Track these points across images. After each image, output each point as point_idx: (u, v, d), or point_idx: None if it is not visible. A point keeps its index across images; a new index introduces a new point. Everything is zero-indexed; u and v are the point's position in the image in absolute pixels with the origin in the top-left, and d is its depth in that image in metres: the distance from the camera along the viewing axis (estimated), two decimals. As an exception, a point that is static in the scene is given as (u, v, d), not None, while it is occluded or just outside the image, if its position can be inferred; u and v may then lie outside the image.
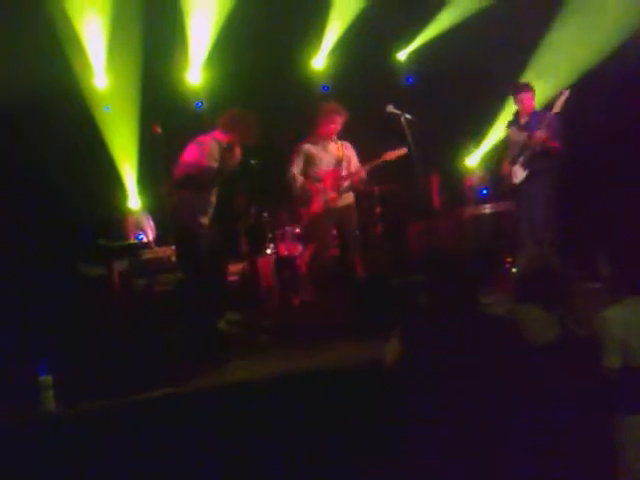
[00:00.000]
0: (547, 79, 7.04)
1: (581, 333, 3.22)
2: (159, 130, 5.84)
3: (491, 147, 7.71)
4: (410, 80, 8.45)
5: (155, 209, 7.12)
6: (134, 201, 7.22)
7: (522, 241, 5.89)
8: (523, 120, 6.12)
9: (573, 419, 3.13)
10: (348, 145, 6.27)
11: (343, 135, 6.72)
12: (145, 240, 6.74)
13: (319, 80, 8.30)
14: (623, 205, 6.05)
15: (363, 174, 6.16)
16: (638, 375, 3.11)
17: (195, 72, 7.78)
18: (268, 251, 6.63)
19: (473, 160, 7.80)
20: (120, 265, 5.84)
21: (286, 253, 6.75)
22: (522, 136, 6.05)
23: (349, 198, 6.23)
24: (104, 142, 7.10)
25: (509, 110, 7.10)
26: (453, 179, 7.42)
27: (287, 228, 6.88)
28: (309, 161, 6.10)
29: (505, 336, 3.11)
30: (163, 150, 6.39)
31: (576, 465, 3.14)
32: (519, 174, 6.03)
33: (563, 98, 5.80)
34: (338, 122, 6.08)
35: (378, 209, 6.94)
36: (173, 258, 6.29)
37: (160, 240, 6.90)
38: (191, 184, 5.20)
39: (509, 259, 6.36)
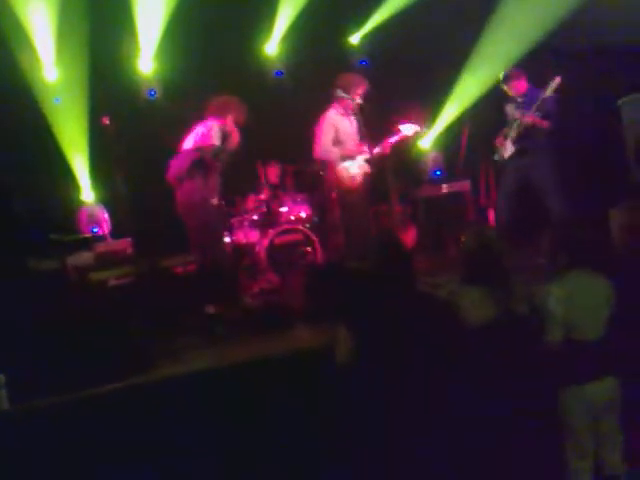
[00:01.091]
0: (498, 57, 7.12)
1: (520, 310, 3.28)
2: (108, 122, 5.76)
3: (444, 128, 7.77)
4: (363, 63, 8.45)
5: (109, 201, 7.05)
6: (87, 194, 7.13)
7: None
8: (519, 99, 6.27)
9: (515, 395, 3.19)
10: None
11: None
12: (100, 233, 6.67)
13: (272, 66, 8.25)
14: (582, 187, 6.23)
15: (387, 151, 6.16)
16: (579, 347, 3.20)
17: (146, 61, 7.68)
18: (226, 239, 6.60)
19: (426, 142, 7.84)
20: (74, 259, 5.77)
21: (244, 241, 6.73)
22: (516, 113, 6.20)
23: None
24: (54, 135, 6.99)
25: (459, 91, 7.19)
26: (406, 161, 7.45)
27: (245, 215, 6.86)
28: (340, 132, 6.09)
29: (439, 317, 3.17)
30: (114, 141, 6.34)
31: (523, 440, 3.22)
32: (508, 149, 6.18)
33: (554, 85, 5.98)
34: (360, 94, 6.06)
35: (334, 194, 6.95)
36: (129, 250, 6.26)
37: (115, 232, 6.84)
38: (202, 168, 5.42)
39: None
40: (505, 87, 6.34)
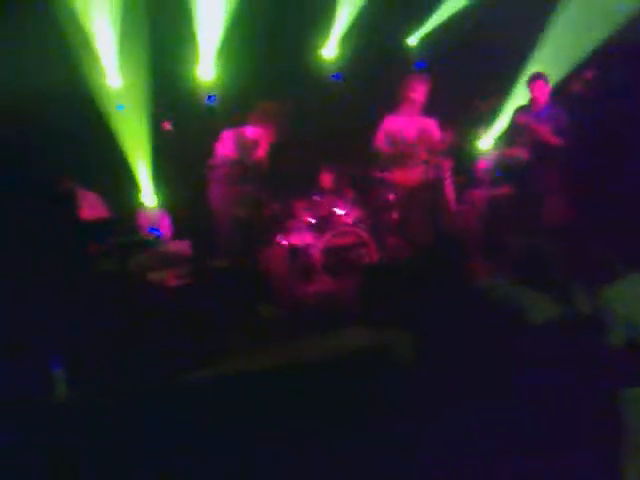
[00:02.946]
0: (558, 62, 6.98)
1: (583, 311, 3.23)
2: (169, 127, 5.89)
3: (504, 129, 7.63)
4: (421, 65, 8.40)
5: (171, 205, 7.20)
6: (149, 198, 7.30)
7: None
8: (535, 109, 6.12)
9: (578, 394, 3.14)
10: (433, 122, 6.18)
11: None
12: (160, 235, 6.82)
13: (330, 69, 8.29)
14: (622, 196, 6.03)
15: (450, 138, 6.10)
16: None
17: (206, 67, 7.82)
18: (281, 241, 6.65)
19: (486, 143, 7.73)
20: (135, 260, 5.91)
21: (300, 243, 6.77)
22: (531, 122, 6.08)
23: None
24: (117, 140, 7.18)
25: (519, 93, 7.07)
26: (466, 162, 7.36)
27: (301, 218, 6.90)
28: (391, 133, 6.07)
29: (503, 317, 3.14)
30: (176, 146, 6.49)
31: (583, 438, 3.15)
32: (521, 157, 6.07)
33: (582, 80, 5.82)
34: (420, 91, 6.05)
35: (392, 195, 6.92)
36: (188, 252, 6.37)
37: (176, 235, 6.98)
38: (217, 176, 5.33)
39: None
40: (528, 88, 6.18)
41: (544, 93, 6.11)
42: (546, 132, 5.94)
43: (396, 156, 6.10)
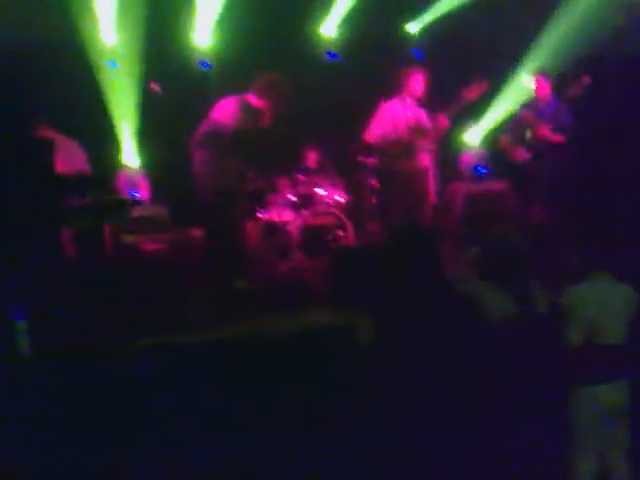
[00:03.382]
0: (558, 60, 6.98)
1: (541, 310, 3.27)
2: (157, 88, 5.83)
3: (493, 125, 7.66)
4: (418, 54, 8.38)
5: (150, 167, 7.15)
6: (131, 159, 7.24)
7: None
8: (538, 105, 6.16)
9: (531, 392, 3.18)
10: (424, 112, 6.21)
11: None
12: (138, 197, 6.78)
13: (326, 48, 8.25)
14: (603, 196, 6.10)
15: (446, 124, 6.06)
16: (600, 350, 3.18)
17: (203, 34, 7.75)
18: (259, 216, 6.65)
19: (472, 137, 7.75)
20: (110, 220, 5.87)
21: (278, 219, 6.77)
22: (531, 119, 6.11)
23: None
24: (104, 97, 7.12)
25: (513, 89, 7.08)
26: (448, 155, 7.38)
27: (282, 194, 6.89)
28: (390, 120, 6.07)
29: (467, 312, 3.16)
30: (162, 109, 6.43)
31: (533, 437, 3.20)
32: (522, 155, 6.10)
33: (581, 84, 5.90)
34: (421, 83, 6.05)
35: (373, 181, 6.93)
36: (165, 217, 6.35)
37: (155, 198, 6.95)
38: (210, 144, 5.25)
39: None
40: (532, 84, 6.22)
41: (546, 89, 6.16)
42: (547, 130, 5.98)
43: (392, 143, 6.05)
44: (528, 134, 6.11)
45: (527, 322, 3.23)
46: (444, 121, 5.99)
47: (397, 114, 6.10)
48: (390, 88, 6.21)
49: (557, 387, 3.26)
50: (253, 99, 5.50)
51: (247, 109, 5.43)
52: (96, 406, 3.76)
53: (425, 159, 6.17)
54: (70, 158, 5.54)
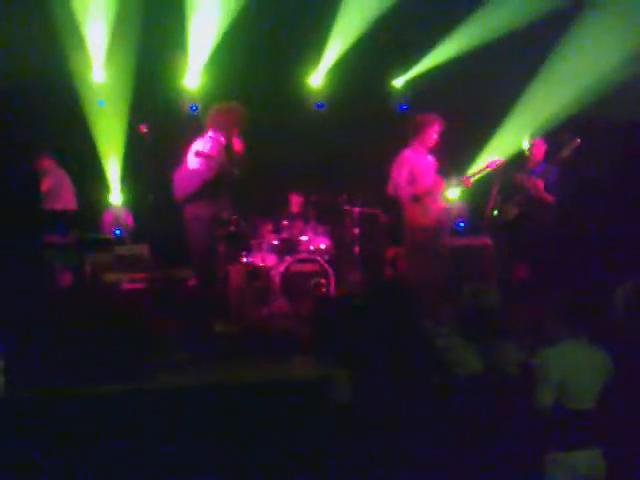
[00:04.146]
0: (538, 116, 7.19)
1: (509, 371, 3.30)
2: (145, 130, 5.87)
3: (475, 180, 7.78)
4: (403, 108, 8.56)
5: (134, 206, 7.15)
6: (115, 197, 7.25)
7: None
8: (529, 166, 6.41)
9: (496, 454, 3.19)
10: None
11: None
12: (122, 235, 6.77)
13: (315, 97, 8.39)
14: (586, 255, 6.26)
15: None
16: (569, 414, 3.18)
17: (192, 76, 7.85)
18: (243, 260, 6.66)
19: (452, 193, 7.87)
20: (93, 258, 5.85)
21: (261, 264, 6.79)
22: (522, 179, 6.33)
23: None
24: (92, 135, 7.15)
25: (495, 145, 7.24)
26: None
27: (265, 239, 6.92)
28: (418, 169, 6.04)
29: (431, 362, 3.21)
30: (149, 150, 6.46)
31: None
32: (511, 212, 6.26)
33: (573, 146, 6.12)
34: (438, 131, 6.08)
35: (356, 230, 7.00)
36: (147, 256, 6.34)
37: (136, 237, 6.94)
38: (207, 192, 5.23)
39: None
40: (527, 151, 6.45)
41: (541, 152, 6.38)
42: (541, 188, 6.16)
43: (418, 195, 6.04)
44: (519, 194, 6.27)
45: (497, 381, 3.25)
46: (467, 181, 6.20)
47: (424, 164, 6.08)
48: (406, 135, 6.18)
49: (530, 450, 3.24)
50: (216, 134, 5.41)
51: (220, 145, 5.38)
52: (73, 447, 3.70)
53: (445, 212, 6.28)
54: (60, 190, 5.53)
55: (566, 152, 6.14)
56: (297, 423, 3.84)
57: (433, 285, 5.65)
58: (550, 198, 6.21)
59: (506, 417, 3.16)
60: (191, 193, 5.30)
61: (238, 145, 5.37)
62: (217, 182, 5.27)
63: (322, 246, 7.01)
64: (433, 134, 6.03)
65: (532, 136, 6.56)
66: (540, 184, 6.20)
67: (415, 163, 6.02)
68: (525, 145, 6.51)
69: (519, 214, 6.30)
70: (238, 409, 3.93)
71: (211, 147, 5.33)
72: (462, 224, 7.77)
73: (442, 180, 6.12)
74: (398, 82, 8.57)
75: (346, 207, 7.04)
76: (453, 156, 7.56)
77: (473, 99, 7.61)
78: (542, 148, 6.43)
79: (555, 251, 6.04)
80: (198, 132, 5.56)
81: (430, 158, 6.13)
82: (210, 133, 5.41)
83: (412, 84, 8.50)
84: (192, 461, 3.75)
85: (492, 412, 3.16)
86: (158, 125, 6.58)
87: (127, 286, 5.88)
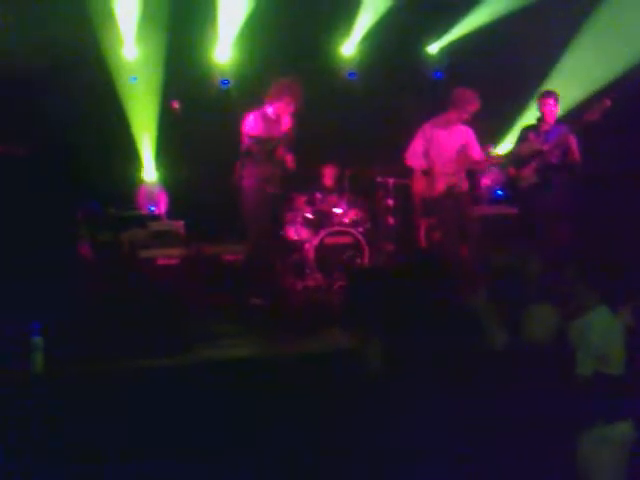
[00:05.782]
0: (575, 83, 6.97)
1: (545, 339, 3.26)
2: (177, 106, 5.88)
3: (512, 148, 7.62)
4: (438, 75, 8.40)
5: (170, 182, 7.19)
6: (149, 173, 7.29)
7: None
8: (544, 128, 6.03)
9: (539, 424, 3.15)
10: (470, 130, 6.07)
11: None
12: (156, 212, 6.82)
13: (347, 67, 8.28)
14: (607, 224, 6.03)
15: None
16: (611, 381, 3.12)
17: (223, 51, 7.82)
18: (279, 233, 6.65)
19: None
20: (128, 234, 5.92)
21: (295, 237, 6.78)
22: (538, 143, 5.95)
23: (466, 185, 6.13)
24: (125, 112, 7.18)
25: (532, 112, 7.05)
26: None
27: (300, 212, 6.90)
28: (433, 143, 5.95)
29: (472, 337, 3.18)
30: (181, 125, 6.48)
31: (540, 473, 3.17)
32: (530, 180, 5.96)
33: (601, 107, 5.54)
34: (470, 111, 5.92)
35: (391, 201, 6.93)
36: (181, 232, 6.38)
37: (171, 214, 6.99)
38: (251, 155, 5.42)
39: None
40: (537, 104, 6.05)
41: (553, 112, 6.01)
42: (555, 155, 5.86)
43: (427, 170, 5.94)
44: (538, 159, 6.00)
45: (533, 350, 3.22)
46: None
47: (439, 138, 5.96)
48: (442, 105, 6.06)
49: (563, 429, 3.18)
50: (269, 109, 5.57)
51: (266, 119, 5.54)
52: (109, 422, 3.77)
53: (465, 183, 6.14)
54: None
55: (592, 114, 5.56)
56: (333, 393, 3.87)
57: (463, 254, 5.59)
58: (576, 159, 5.80)
59: (542, 388, 3.13)
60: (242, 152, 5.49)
61: (286, 122, 5.52)
62: (256, 154, 5.40)
63: (356, 218, 6.97)
64: (465, 114, 5.89)
65: (544, 93, 6.04)
66: (557, 157, 5.81)
67: (432, 137, 5.91)
68: (539, 100, 6.10)
69: (535, 183, 6.00)
70: (275, 381, 3.97)
71: (258, 119, 5.50)
72: (500, 192, 7.62)
73: (462, 155, 5.95)
74: (432, 48, 8.41)
75: (380, 178, 6.96)
76: (488, 125, 7.45)
77: (510, 66, 7.41)
78: (555, 108, 5.89)
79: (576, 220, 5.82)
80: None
81: (456, 131, 5.97)
82: (266, 105, 5.57)
83: (447, 50, 8.34)
84: (232, 432, 3.80)
85: (529, 383, 3.13)
86: (190, 100, 6.58)
87: (162, 262, 5.94)
